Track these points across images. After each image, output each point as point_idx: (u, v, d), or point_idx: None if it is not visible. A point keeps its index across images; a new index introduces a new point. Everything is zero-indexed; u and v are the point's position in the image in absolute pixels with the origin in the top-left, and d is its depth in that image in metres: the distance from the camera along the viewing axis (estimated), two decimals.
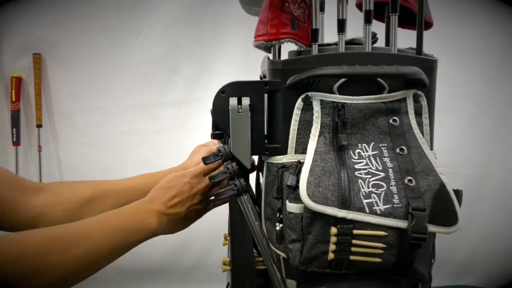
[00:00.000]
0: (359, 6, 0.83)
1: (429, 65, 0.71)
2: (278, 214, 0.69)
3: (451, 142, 2.24)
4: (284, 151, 0.69)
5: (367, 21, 0.71)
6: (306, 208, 0.61)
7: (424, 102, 0.70)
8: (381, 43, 0.80)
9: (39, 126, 2.18)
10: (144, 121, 2.27)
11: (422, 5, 0.70)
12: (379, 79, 0.67)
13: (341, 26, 0.71)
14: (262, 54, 0.77)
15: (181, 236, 2.12)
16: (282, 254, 0.71)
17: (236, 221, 0.75)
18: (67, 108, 2.23)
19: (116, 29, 2.20)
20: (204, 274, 2.31)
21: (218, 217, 2.16)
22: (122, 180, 1.01)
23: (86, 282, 2.08)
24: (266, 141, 0.72)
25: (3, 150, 2.21)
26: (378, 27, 0.79)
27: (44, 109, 2.21)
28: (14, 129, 2.15)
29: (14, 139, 2.16)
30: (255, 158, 0.86)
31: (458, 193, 0.67)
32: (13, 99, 2.13)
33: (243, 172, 0.73)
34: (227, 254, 0.84)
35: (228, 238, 0.85)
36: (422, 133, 0.69)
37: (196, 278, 2.33)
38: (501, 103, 2.23)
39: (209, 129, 0.75)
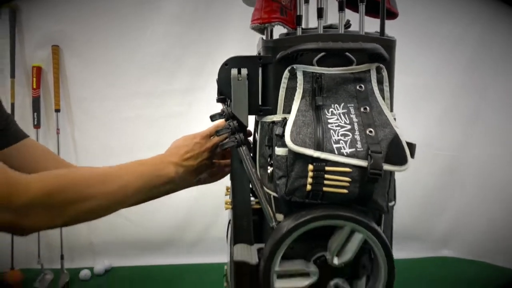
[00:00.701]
0: None
1: (389, 44, 0.87)
2: (269, 160, 0.85)
3: (432, 126, 2.40)
4: (274, 112, 0.85)
5: (341, 9, 0.87)
6: (289, 151, 0.78)
7: (384, 74, 0.86)
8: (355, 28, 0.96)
9: (57, 111, 2.34)
10: (151, 108, 2.42)
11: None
12: (348, 53, 0.83)
13: (320, 13, 0.87)
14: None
15: (185, 212, 2.31)
16: (273, 193, 0.86)
17: (236, 169, 0.91)
18: (82, 95, 2.38)
19: (126, 24, 2.35)
20: (207, 246, 2.47)
21: (217, 198, 2.34)
22: None
23: (103, 254, 2.27)
24: (260, 104, 0.88)
25: (25, 131, 2.35)
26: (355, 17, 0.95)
27: (62, 95, 2.37)
28: (35, 114, 2.30)
29: (35, 123, 2.32)
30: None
31: (411, 145, 0.84)
32: (34, 87, 2.28)
33: (242, 129, 0.89)
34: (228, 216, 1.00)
35: (229, 190, 1.01)
36: (383, 98, 0.85)
37: (200, 250, 2.50)
38: (478, 91, 2.39)
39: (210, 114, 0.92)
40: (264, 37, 0.89)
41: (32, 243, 2.36)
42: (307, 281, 0.81)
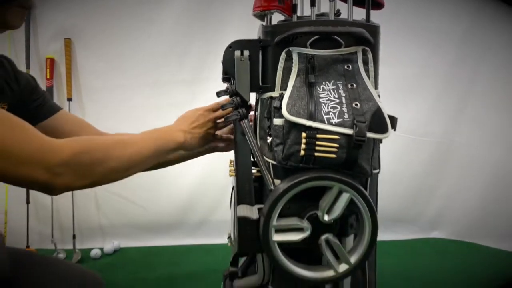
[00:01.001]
0: None
1: (373, 29, 0.97)
2: (268, 130, 0.96)
3: (421, 115, 2.49)
4: (272, 89, 0.96)
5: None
6: (286, 121, 0.88)
7: (369, 55, 0.96)
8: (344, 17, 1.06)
9: (69, 99, 2.43)
10: (158, 97, 2.52)
11: None
12: (337, 37, 0.94)
13: (313, 2, 0.97)
14: None
15: (189, 196, 2.36)
16: (271, 161, 0.97)
17: (239, 140, 1.01)
18: (92, 84, 2.47)
19: (134, 19, 2.44)
20: (211, 228, 2.57)
21: (220, 183, 2.42)
22: None
23: (112, 235, 2.33)
24: (260, 82, 0.99)
25: None
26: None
27: (74, 85, 2.46)
28: None
29: None
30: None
31: (392, 118, 0.94)
32: (48, 77, 2.38)
33: (244, 104, 1.00)
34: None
35: (233, 162, 1.12)
36: (368, 76, 0.95)
37: (204, 231, 2.60)
38: (464, 82, 2.47)
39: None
40: (264, 23, 1.00)
41: (46, 225, 2.47)
42: (301, 235, 0.92)
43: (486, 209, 2.45)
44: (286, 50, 0.94)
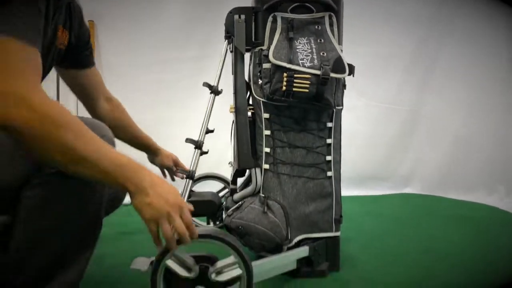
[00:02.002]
0: None
1: (337, 0, 1.25)
2: (259, 74, 1.24)
3: (392, 86, 2.70)
4: (262, 44, 1.23)
5: None
6: (272, 64, 1.16)
7: (334, 19, 1.23)
8: None
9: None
10: (168, 72, 2.77)
11: None
12: (309, 5, 1.21)
13: None
14: None
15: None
16: (262, 99, 1.25)
17: (237, 80, 1.28)
18: (112, 61, 2.71)
19: (148, 3, 2.68)
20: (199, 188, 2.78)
21: (215, 156, 2.60)
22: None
23: None
24: (253, 39, 1.26)
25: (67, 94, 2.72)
26: None
27: (96, 61, 2.69)
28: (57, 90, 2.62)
29: (57, 97, 2.62)
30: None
31: (351, 66, 1.22)
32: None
33: (241, 54, 1.26)
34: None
35: (233, 108, 1.37)
36: (333, 35, 1.23)
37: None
38: (429, 58, 2.67)
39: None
40: None
41: None
42: (186, 274, 0.96)
43: (451, 167, 2.67)
44: (272, 14, 1.21)
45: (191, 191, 1.32)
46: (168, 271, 0.96)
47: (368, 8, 2.46)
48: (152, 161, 1.55)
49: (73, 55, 1.13)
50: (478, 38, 2.53)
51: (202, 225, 1.67)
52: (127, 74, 2.69)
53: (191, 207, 0.87)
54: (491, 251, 1.59)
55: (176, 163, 1.55)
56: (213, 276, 0.98)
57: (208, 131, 1.30)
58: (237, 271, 0.99)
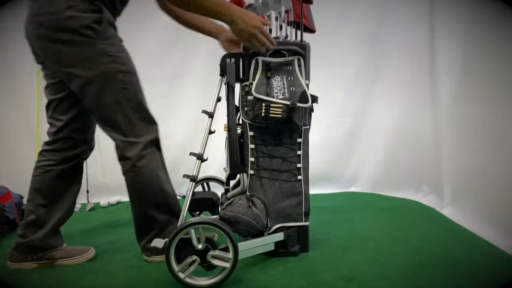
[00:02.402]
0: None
1: (304, 47, 1.64)
2: (245, 103, 1.63)
3: (338, 101, 3.04)
4: (247, 80, 1.62)
5: (280, 29, 1.66)
6: (254, 97, 1.55)
7: (302, 61, 1.63)
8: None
9: None
10: (148, 87, 3.05)
11: (302, 21, 1.65)
12: (283, 51, 1.62)
13: (270, 31, 1.65)
14: None
15: (175, 156, 2.75)
16: (248, 121, 1.63)
17: (229, 106, 1.64)
18: None
19: (133, 23, 2.92)
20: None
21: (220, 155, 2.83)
22: None
23: (115, 191, 2.80)
24: (241, 76, 1.65)
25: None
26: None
27: None
28: None
29: None
30: None
31: (314, 96, 1.64)
32: None
33: (231, 87, 1.65)
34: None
35: (226, 127, 1.73)
36: (301, 74, 1.63)
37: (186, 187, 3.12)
38: (369, 76, 2.98)
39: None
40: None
41: None
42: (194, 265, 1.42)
43: (386, 169, 3.01)
44: (255, 58, 1.61)
45: (194, 192, 1.69)
46: (183, 239, 1.40)
47: (317, 27, 2.86)
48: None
49: None
50: (411, 51, 2.83)
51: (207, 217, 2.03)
52: None
53: (267, 21, 1.56)
54: (410, 236, 1.97)
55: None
56: (209, 257, 1.42)
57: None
58: (225, 264, 1.42)
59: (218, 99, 1.61)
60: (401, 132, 2.94)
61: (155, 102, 2.87)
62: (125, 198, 2.92)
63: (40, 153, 1.73)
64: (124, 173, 1.63)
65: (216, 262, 1.44)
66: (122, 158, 1.62)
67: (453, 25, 2.29)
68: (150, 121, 1.64)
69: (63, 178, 1.71)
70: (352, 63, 2.99)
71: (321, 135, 2.99)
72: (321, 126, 2.98)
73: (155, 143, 1.64)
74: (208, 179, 2.18)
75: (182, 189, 2.90)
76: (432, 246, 1.82)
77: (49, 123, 1.73)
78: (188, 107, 2.93)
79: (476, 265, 1.58)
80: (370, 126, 3.05)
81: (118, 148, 1.62)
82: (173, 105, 3.02)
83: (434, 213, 2.43)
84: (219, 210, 1.69)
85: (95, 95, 1.54)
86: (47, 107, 1.72)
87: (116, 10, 1.64)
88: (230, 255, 1.43)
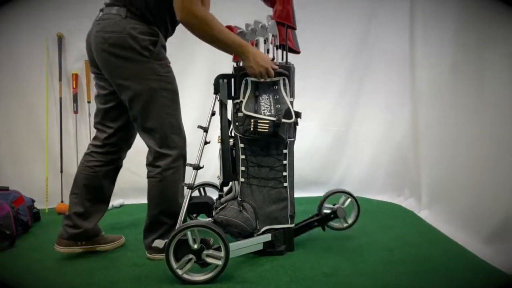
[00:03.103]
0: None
1: (288, 68, 1.83)
2: (236, 118, 1.82)
3: (327, 111, 3.20)
4: (238, 98, 1.80)
5: (268, 52, 1.86)
6: (244, 114, 1.74)
7: (287, 81, 1.82)
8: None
9: (89, 102, 3.05)
10: None
11: (287, 44, 1.85)
12: None
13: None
14: None
15: None
16: (239, 134, 1.82)
17: (222, 121, 1.82)
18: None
19: None
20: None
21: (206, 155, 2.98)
22: None
23: (118, 195, 2.94)
24: (232, 94, 1.84)
25: (68, 116, 3.07)
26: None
27: (91, 92, 3.06)
28: (74, 104, 3.03)
29: (74, 110, 3.04)
30: None
31: (297, 112, 1.83)
32: (74, 86, 3.01)
33: (224, 104, 1.83)
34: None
35: (219, 139, 1.92)
36: (286, 92, 1.83)
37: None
38: (355, 87, 3.14)
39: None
40: (235, 64, 1.87)
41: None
42: (193, 246, 1.60)
43: (371, 173, 3.15)
44: (244, 79, 1.80)
45: (191, 197, 1.87)
46: (180, 241, 1.59)
47: (305, 42, 3.05)
48: None
49: None
50: (393, 66, 3.01)
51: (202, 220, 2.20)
52: None
53: (275, 67, 1.78)
54: (387, 237, 2.14)
55: None
56: (204, 256, 1.60)
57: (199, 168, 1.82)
58: (218, 262, 1.60)
59: (213, 114, 1.80)
60: (384, 140, 3.12)
61: None
62: (128, 201, 3.11)
63: (89, 154, 1.96)
64: (149, 177, 1.84)
65: (210, 260, 1.61)
66: (152, 164, 1.82)
67: (433, 39, 2.46)
68: (182, 137, 1.85)
69: (107, 177, 1.96)
70: (339, 76, 3.18)
71: (310, 142, 3.16)
72: (310, 134, 3.17)
73: (183, 157, 1.85)
74: (204, 185, 2.37)
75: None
76: (405, 246, 2.01)
77: (98, 128, 1.96)
78: (188, 117, 3.08)
79: (442, 263, 1.77)
80: (356, 134, 3.23)
81: (150, 155, 1.83)
82: None
83: (411, 216, 2.61)
84: (213, 214, 1.87)
85: (140, 106, 1.76)
86: (96, 114, 1.95)
87: (168, 33, 1.87)
88: (222, 254, 1.61)
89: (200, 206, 2.03)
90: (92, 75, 1.94)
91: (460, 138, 2.17)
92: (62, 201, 3.01)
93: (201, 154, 1.77)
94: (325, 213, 2.08)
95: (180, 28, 1.81)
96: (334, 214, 2.07)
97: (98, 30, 1.74)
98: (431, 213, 2.49)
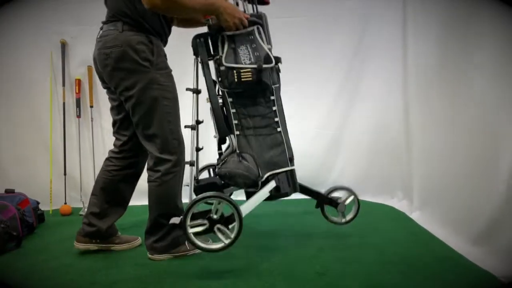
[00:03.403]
0: None
1: (260, 16, 1.86)
2: (219, 74, 1.83)
3: (321, 114, 3.29)
4: (217, 54, 1.83)
5: (237, 5, 1.89)
6: (225, 66, 1.77)
7: (261, 29, 1.84)
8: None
9: (91, 106, 3.15)
10: None
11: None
12: None
13: None
14: None
15: None
16: (225, 90, 1.83)
17: (207, 80, 1.85)
18: (106, 97, 3.21)
19: None
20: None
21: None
22: None
23: None
24: (212, 52, 1.86)
25: (71, 120, 3.17)
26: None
27: (94, 97, 3.17)
28: (77, 108, 3.13)
29: (77, 114, 3.13)
30: None
31: (277, 57, 1.84)
32: (76, 91, 3.11)
33: (206, 63, 1.88)
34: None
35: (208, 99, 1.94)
36: (262, 40, 1.82)
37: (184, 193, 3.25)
38: (353, 85, 3.18)
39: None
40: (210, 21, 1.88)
41: (76, 190, 3.13)
42: (202, 228, 1.68)
43: (365, 176, 3.18)
44: (220, 34, 1.83)
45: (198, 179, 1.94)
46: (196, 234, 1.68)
47: (300, 49, 3.14)
48: None
49: None
50: (385, 72, 3.07)
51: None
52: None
53: (247, 15, 1.83)
54: (378, 238, 2.16)
55: None
56: (216, 228, 1.70)
57: (199, 122, 1.90)
58: (225, 240, 1.69)
59: (198, 91, 1.89)
60: (378, 143, 3.17)
61: None
62: (131, 203, 3.10)
63: (108, 159, 2.08)
64: (149, 182, 1.91)
65: (218, 234, 1.68)
66: (152, 169, 1.90)
67: (424, 43, 2.50)
68: (181, 142, 1.93)
69: (125, 181, 2.07)
70: (334, 81, 3.26)
71: (307, 145, 3.24)
72: (306, 137, 3.27)
73: (182, 162, 1.94)
74: (210, 166, 2.40)
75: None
76: (395, 246, 2.03)
77: (116, 137, 2.08)
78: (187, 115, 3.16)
79: (429, 264, 1.78)
80: (351, 138, 3.29)
81: (151, 160, 1.91)
82: None
83: (403, 217, 2.64)
84: (216, 169, 1.90)
85: (142, 114, 1.86)
86: (113, 125, 2.08)
87: (166, 35, 1.96)
88: (232, 235, 1.69)
89: (209, 186, 2.04)
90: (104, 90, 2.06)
91: (451, 142, 2.18)
92: (65, 203, 3.12)
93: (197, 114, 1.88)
94: (330, 197, 2.14)
95: (177, 33, 1.91)
96: (334, 204, 2.14)
97: (99, 47, 1.85)
98: (423, 214, 2.51)
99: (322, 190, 3.26)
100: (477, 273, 1.66)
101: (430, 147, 2.44)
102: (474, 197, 1.90)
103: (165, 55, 1.93)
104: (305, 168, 3.00)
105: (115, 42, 1.79)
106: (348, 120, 3.28)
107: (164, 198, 1.90)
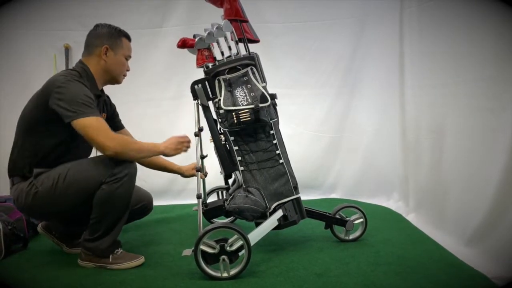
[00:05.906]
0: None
1: (252, 58, 1.96)
2: (219, 115, 1.95)
3: (319, 117, 3.40)
4: (216, 97, 1.94)
5: (230, 49, 2.00)
6: (224, 110, 1.88)
7: (254, 69, 1.94)
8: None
9: None
10: (152, 107, 3.39)
11: (245, 38, 1.98)
12: (237, 66, 1.95)
13: (222, 53, 1.99)
14: None
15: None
16: (226, 129, 1.95)
17: (209, 121, 1.99)
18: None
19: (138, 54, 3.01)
20: (189, 193, 3.30)
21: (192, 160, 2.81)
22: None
23: None
24: (210, 95, 1.99)
25: None
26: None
27: None
28: None
29: None
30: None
31: (272, 94, 1.96)
32: None
33: (206, 106, 2.01)
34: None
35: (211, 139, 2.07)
36: (256, 80, 1.94)
37: (184, 195, 3.39)
38: (350, 88, 3.32)
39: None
40: (205, 68, 2.01)
41: None
42: (212, 251, 1.73)
43: (362, 178, 3.31)
44: (217, 78, 1.94)
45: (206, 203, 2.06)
46: (203, 252, 1.74)
47: (298, 53, 3.22)
48: (183, 176, 2.39)
49: (110, 123, 2.06)
50: (382, 75, 3.13)
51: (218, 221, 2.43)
52: (121, 109, 2.76)
53: (186, 139, 2.06)
54: (374, 239, 2.24)
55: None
56: (228, 248, 1.74)
57: (203, 157, 2.01)
58: (240, 242, 1.75)
59: (201, 129, 1.99)
60: (374, 146, 3.25)
61: (161, 120, 3.40)
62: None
63: None
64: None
65: (221, 264, 1.75)
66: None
67: (420, 51, 2.57)
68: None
69: None
70: (331, 85, 3.37)
71: (305, 148, 3.37)
72: (304, 140, 3.40)
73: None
74: (219, 189, 2.56)
75: (183, 195, 3.36)
76: (390, 247, 2.11)
77: None
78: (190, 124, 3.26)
79: (424, 265, 1.87)
80: (348, 140, 3.39)
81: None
82: (176, 123, 3.39)
83: (399, 219, 2.72)
84: (225, 206, 2.03)
85: None
86: None
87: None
88: (232, 272, 1.77)
89: (218, 210, 2.19)
90: None
91: (445, 145, 2.26)
92: None
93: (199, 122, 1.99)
94: (337, 217, 2.22)
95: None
96: (342, 223, 2.19)
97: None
98: (418, 216, 2.60)
99: (319, 192, 3.42)
100: (470, 273, 1.76)
101: (425, 150, 2.52)
102: (467, 199, 2.00)
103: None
104: (303, 169, 3.12)
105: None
106: (345, 123, 3.39)
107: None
